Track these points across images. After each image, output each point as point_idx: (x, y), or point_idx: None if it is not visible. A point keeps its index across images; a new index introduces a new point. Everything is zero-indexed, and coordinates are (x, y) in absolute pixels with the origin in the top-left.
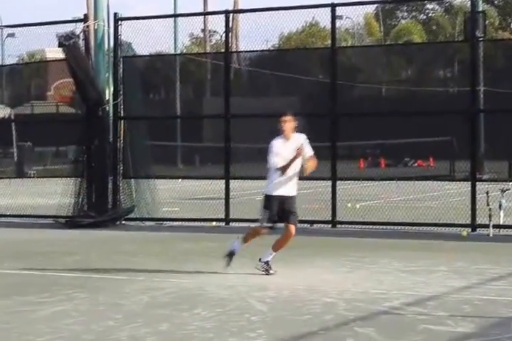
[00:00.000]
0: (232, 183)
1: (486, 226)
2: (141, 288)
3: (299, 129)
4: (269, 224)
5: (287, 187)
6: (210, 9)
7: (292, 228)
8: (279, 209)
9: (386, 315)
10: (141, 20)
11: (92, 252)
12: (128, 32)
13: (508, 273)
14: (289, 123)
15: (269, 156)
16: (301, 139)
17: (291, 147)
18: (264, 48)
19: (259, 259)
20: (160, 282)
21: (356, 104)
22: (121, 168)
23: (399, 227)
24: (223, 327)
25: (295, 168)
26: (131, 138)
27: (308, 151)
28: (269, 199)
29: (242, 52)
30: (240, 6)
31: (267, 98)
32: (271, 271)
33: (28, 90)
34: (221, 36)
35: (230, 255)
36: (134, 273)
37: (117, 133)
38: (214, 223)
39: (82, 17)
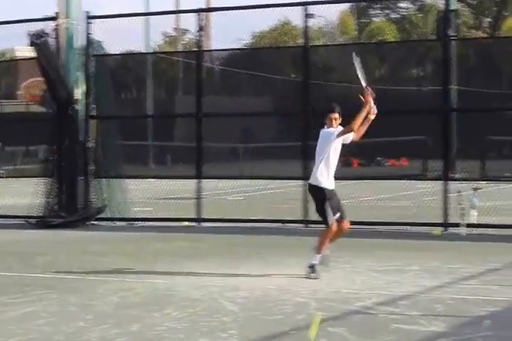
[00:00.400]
0: (204, 183)
1: (459, 225)
2: (112, 289)
3: (271, 129)
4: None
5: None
6: (182, 8)
7: (347, 224)
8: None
9: (358, 315)
10: (113, 19)
11: (62, 253)
12: (100, 30)
13: (480, 272)
14: (338, 120)
15: (330, 138)
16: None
17: (339, 140)
18: (237, 47)
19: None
20: (131, 282)
21: (329, 103)
22: (93, 167)
23: (372, 227)
24: (194, 328)
25: (335, 160)
26: (103, 137)
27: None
28: (328, 192)
29: (214, 50)
30: (212, 5)
31: (240, 97)
32: (313, 275)
33: None
34: (194, 35)
35: (312, 267)
36: (104, 273)
37: (88, 132)
38: (186, 223)
39: (53, 15)
